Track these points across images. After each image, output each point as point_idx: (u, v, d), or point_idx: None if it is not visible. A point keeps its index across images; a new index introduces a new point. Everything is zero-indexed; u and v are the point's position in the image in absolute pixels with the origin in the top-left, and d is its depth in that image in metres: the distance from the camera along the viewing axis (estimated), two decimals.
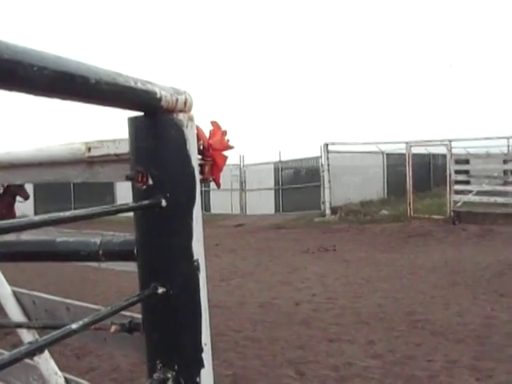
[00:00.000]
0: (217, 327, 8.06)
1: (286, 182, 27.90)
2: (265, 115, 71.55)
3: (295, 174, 28.42)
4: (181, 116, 1.41)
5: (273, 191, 28.00)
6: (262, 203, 27.73)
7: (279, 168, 28.10)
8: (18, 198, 15.20)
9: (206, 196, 29.45)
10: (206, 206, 29.63)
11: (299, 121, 71.11)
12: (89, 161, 2.01)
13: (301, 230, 20.02)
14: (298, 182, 27.43)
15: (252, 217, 26.30)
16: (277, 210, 27.62)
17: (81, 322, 1.13)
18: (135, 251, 1.48)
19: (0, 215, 13.33)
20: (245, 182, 28.74)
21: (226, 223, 24.51)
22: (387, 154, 27.20)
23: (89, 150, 1.94)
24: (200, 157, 1.59)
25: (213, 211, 29.13)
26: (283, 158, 28.23)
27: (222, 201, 28.92)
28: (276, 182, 28.01)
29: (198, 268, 1.45)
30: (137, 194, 1.44)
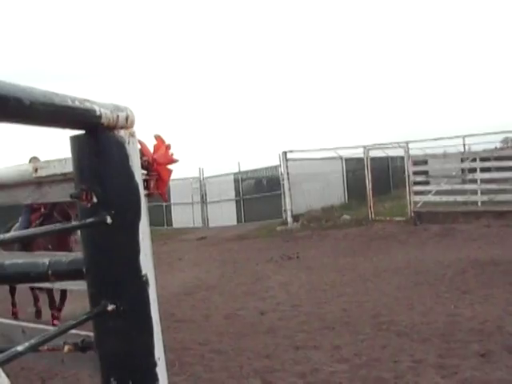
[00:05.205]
0: (182, 341, 8.03)
1: (246, 193, 27.90)
2: (222, 127, 71.76)
3: (255, 184, 28.45)
4: (122, 132, 1.42)
5: (234, 202, 27.98)
6: (224, 215, 27.70)
7: (239, 179, 28.11)
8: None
9: (167, 211, 29.35)
10: (167, 221, 29.53)
11: (257, 131, 71.52)
12: (37, 181, 2.01)
13: (263, 239, 20.01)
14: (259, 192, 27.46)
15: (214, 229, 26.21)
16: (239, 220, 27.59)
17: (27, 344, 1.13)
18: (84, 270, 1.48)
19: (49, 241, 9.39)
20: (205, 194, 28.65)
21: (189, 237, 24.39)
22: (346, 159, 27.33)
23: (36, 170, 1.94)
24: (145, 172, 1.60)
25: (175, 225, 29.04)
26: (243, 169, 28.28)
27: (184, 215, 28.85)
28: (237, 193, 28.00)
29: (146, 283, 1.45)
30: (82, 212, 1.44)
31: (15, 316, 10.32)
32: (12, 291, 10.53)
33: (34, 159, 8.48)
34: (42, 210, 10.04)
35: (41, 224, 9.85)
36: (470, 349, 6.75)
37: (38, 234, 1.23)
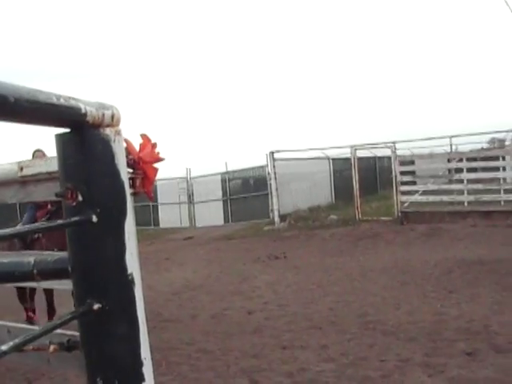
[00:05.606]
0: (169, 341, 8.01)
1: (233, 193, 27.85)
2: (209, 127, 71.76)
3: (243, 184, 28.43)
4: (108, 131, 1.41)
5: (221, 202, 27.93)
6: (211, 215, 27.63)
7: (226, 179, 28.07)
8: None
9: (154, 210, 29.29)
10: (154, 221, 29.47)
11: (244, 130, 71.57)
12: (22, 180, 1.99)
13: (250, 239, 19.99)
14: (246, 192, 27.43)
15: (201, 229, 26.19)
16: (226, 220, 27.54)
17: (11, 343, 1.12)
18: (69, 269, 1.47)
19: (53, 242, 8.10)
20: (192, 194, 28.58)
21: (176, 237, 24.36)
22: (333, 159, 27.36)
23: (21, 169, 1.92)
24: (131, 170, 1.59)
25: (162, 225, 28.98)
26: (230, 169, 28.25)
27: (171, 214, 28.78)
28: (224, 193, 27.95)
29: (132, 282, 1.44)
30: (68, 211, 1.43)
31: (30, 320, 9.18)
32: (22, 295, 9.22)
33: (37, 152, 8.41)
34: (49, 206, 9.23)
35: (47, 221, 8.23)
36: (456, 347, 6.78)
37: (17, 234, 1.21)
